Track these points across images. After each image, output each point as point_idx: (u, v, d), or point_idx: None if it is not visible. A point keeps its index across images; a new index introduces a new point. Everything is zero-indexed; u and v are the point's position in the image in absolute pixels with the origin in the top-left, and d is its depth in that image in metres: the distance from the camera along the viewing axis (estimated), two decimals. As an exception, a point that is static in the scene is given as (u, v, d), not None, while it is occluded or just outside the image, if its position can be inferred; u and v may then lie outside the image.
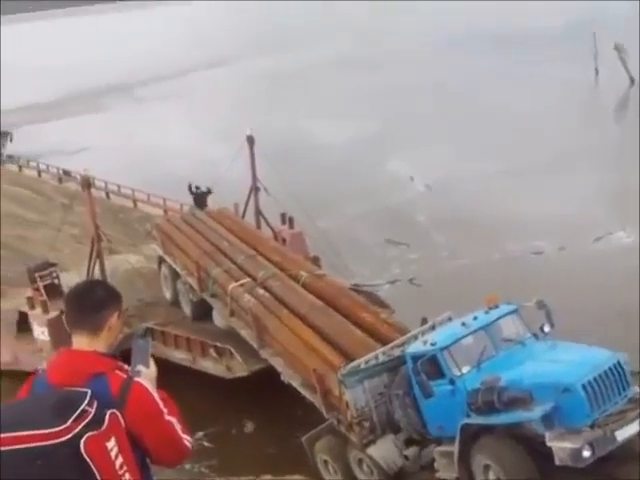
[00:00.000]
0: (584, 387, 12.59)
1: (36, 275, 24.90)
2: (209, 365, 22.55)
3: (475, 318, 14.75)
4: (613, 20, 66.81)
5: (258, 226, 28.14)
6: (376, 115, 53.42)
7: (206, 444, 20.23)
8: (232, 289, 21.40)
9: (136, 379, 4.04)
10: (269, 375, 19.34)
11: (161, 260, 26.26)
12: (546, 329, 14.81)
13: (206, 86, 74.09)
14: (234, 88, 69.38)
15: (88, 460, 3.64)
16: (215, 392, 21.70)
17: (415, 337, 16.04)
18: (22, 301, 25.61)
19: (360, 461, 16.01)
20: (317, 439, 17.03)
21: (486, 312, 14.85)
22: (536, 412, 12.55)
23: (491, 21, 75.89)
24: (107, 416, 3.75)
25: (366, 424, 15.61)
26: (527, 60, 60.00)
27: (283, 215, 27.21)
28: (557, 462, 12.29)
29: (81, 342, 4.18)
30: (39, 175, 47.48)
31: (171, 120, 61.02)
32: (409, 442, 15.48)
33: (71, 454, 3.62)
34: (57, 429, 3.61)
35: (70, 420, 3.65)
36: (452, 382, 14.12)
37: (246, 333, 20.70)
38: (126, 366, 4.19)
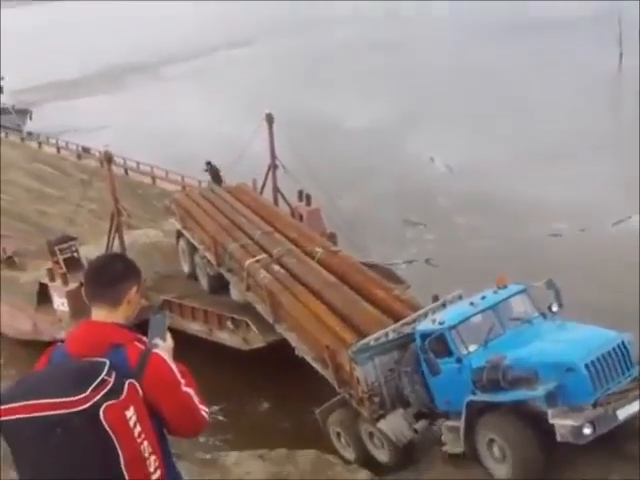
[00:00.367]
0: (587, 367, 12.75)
1: (56, 248, 25.26)
2: (226, 337, 22.77)
3: (483, 298, 14.91)
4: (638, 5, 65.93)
5: (276, 203, 28.37)
6: (400, 96, 53.13)
7: (221, 418, 20.35)
8: (248, 265, 21.64)
9: (154, 350, 4.07)
10: (284, 349, 19.50)
11: (179, 234, 26.54)
12: (554, 309, 14.98)
13: (229, 66, 73.87)
14: (257, 68, 69.12)
15: (107, 428, 3.69)
16: (230, 367, 21.88)
17: (425, 315, 16.26)
18: (42, 273, 25.96)
19: (371, 434, 16.30)
20: (330, 412, 17.36)
21: (495, 292, 15.01)
22: (540, 391, 12.73)
23: (518, 5, 75.01)
24: (126, 386, 3.79)
25: (376, 399, 15.83)
26: (551, 45, 59.37)
27: (300, 192, 27.35)
28: (559, 439, 12.50)
29: (100, 315, 4.21)
30: (58, 152, 47.69)
31: (193, 99, 60.86)
32: (419, 416, 15.70)
33: (90, 422, 3.67)
34: (76, 398, 3.66)
35: (89, 389, 3.69)
36: (459, 360, 14.32)
37: (261, 308, 20.96)
38: (144, 338, 4.22)
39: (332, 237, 25.42)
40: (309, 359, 18.41)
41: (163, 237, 28.55)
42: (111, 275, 4.26)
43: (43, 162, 44.29)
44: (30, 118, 55.58)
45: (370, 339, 15.93)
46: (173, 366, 4.07)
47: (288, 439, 17.17)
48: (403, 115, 48.08)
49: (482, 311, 14.67)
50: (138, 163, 39.93)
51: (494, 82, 53.03)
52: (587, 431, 12.27)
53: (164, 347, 4.16)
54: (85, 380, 3.71)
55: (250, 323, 21.63)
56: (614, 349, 13.11)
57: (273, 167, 28.36)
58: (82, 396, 3.66)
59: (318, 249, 21.91)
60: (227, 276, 23.29)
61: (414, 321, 16.17)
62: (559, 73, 52.04)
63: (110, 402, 3.69)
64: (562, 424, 12.43)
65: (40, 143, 49.81)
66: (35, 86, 69.64)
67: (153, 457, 3.84)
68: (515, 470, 13.19)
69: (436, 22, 75.00)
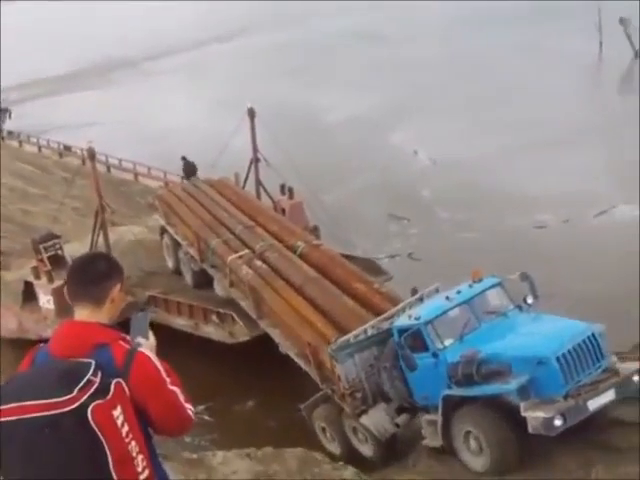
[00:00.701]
0: (558, 360, 12.90)
1: (40, 246, 25.30)
2: (211, 330, 22.94)
3: (459, 292, 15.05)
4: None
5: (258, 196, 28.49)
6: (385, 89, 53.16)
7: (207, 418, 20.38)
8: (231, 261, 21.79)
9: (139, 349, 4.04)
10: (269, 342, 19.66)
11: (163, 230, 26.67)
12: (529, 301, 15.11)
13: (215, 60, 73.60)
14: (243, 62, 68.98)
15: (95, 428, 3.67)
16: (216, 362, 21.97)
17: (403, 310, 16.43)
18: (27, 272, 26.09)
19: (355, 429, 16.49)
20: (314, 407, 17.58)
21: (470, 286, 15.13)
22: (512, 385, 12.90)
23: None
24: (112, 385, 3.77)
25: (358, 395, 16.02)
26: (532, 34, 59.26)
27: (282, 186, 27.46)
28: (531, 430, 12.67)
29: (83, 314, 4.16)
30: (39, 150, 47.77)
31: (179, 94, 60.75)
32: (400, 410, 15.89)
33: (78, 423, 3.65)
34: (63, 398, 3.64)
35: (76, 390, 3.67)
36: (435, 355, 14.46)
37: (245, 304, 21.10)
38: (129, 337, 4.18)
39: (315, 230, 25.56)
40: (292, 355, 18.60)
41: (147, 233, 28.68)
42: (94, 274, 4.20)
43: (25, 161, 44.29)
44: (9, 117, 55.41)
45: (349, 336, 16.07)
46: (159, 365, 4.06)
47: (274, 437, 17.12)
48: (387, 108, 48.07)
49: (457, 305, 14.82)
50: (120, 160, 39.98)
51: (477, 73, 52.98)
52: (558, 423, 12.44)
53: (147, 345, 4.15)
54: (71, 381, 3.70)
55: (236, 317, 21.77)
56: (584, 341, 13.25)
57: (255, 161, 28.49)
58: (69, 397, 3.64)
59: (300, 243, 22.08)
60: (211, 272, 23.43)
61: (392, 316, 16.31)
62: (541, 63, 51.99)
63: (97, 402, 3.68)
64: (534, 416, 12.60)
65: (21, 142, 49.74)
66: (19, 84, 69.24)
67: (141, 456, 3.84)
68: (492, 462, 13.37)
69: (419, 13, 74.82)
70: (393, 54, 63.17)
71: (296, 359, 18.39)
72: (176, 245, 25.66)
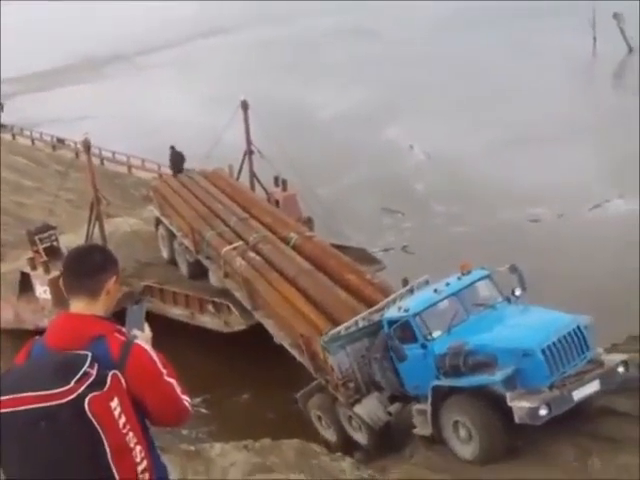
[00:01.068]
0: (543, 351, 13.12)
1: (36, 238, 25.50)
2: (207, 320, 23.17)
3: (447, 284, 15.26)
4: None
5: (252, 188, 28.71)
6: (380, 84, 53.08)
7: (204, 410, 20.56)
8: (225, 252, 22.01)
9: (135, 341, 4.03)
10: (264, 332, 19.84)
11: (158, 221, 26.87)
12: (517, 293, 15.32)
13: (208, 54, 73.38)
14: (236, 56, 68.86)
15: (92, 420, 3.65)
16: (212, 355, 22.15)
17: (393, 301, 16.67)
18: (22, 263, 26.30)
19: (349, 418, 16.74)
20: (310, 396, 17.83)
21: (459, 278, 15.34)
22: (497, 376, 13.13)
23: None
24: (109, 377, 3.75)
25: (351, 385, 16.28)
26: (526, 30, 59.18)
27: (276, 178, 27.63)
28: (517, 420, 12.91)
29: (79, 307, 4.13)
30: (33, 143, 47.80)
31: (172, 88, 60.62)
32: (393, 399, 16.16)
33: (75, 414, 3.63)
34: (60, 390, 3.62)
35: (72, 381, 3.65)
36: (424, 346, 14.70)
37: (240, 295, 21.34)
38: (124, 329, 4.16)
39: (308, 222, 25.78)
40: (286, 345, 18.85)
41: (143, 225, 28.86)
42: (89, 266, 4.18)
43: (18, 154, 44.27)
44: (2, 110, 55.44)
45: (341, 328, 16.30)
46: (155, 357, 4.04)
47: (272, 429, 17.20)
48: (382, 103, 48.02)
49: (446, 297, 15.04)
50: (114, 153, 40.08)
51: (472, 69, 52.83)
52: (543, 412, 12.69)
53: (143, 337, 4.15)
54: (68, 373, 3.69)
55: (231, 306, 22.00)
56: (570, 333, 13.46)
57: (249, 153, 28.72)
58: (66, 388, 3.63)
59: (293, 235, 22.30)
60: (205, 263, 23.66)
61: (383, 308, 16.54)
62: (535, 59, 51.94)
63: (94, 393, 3.67)
64: (519, 406, 12.85)
65: (14, 135, 49.76)
66: (13, 77, 69.07)
67: (139, 447, 3.83)
68: (481, 450, 13.62)
69: (413, 9, 74.71)
70: (386, 50, 62.94)
71: (290, 349, 18.64)
72: (171, 236, 25.89)
